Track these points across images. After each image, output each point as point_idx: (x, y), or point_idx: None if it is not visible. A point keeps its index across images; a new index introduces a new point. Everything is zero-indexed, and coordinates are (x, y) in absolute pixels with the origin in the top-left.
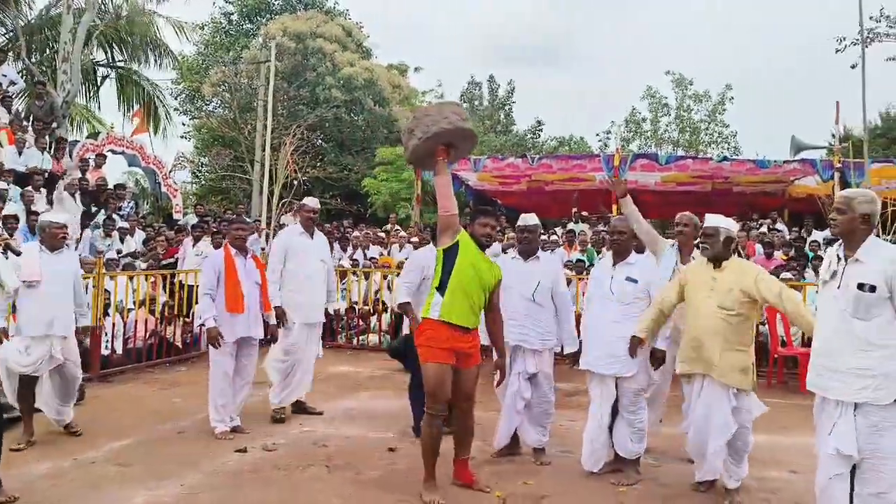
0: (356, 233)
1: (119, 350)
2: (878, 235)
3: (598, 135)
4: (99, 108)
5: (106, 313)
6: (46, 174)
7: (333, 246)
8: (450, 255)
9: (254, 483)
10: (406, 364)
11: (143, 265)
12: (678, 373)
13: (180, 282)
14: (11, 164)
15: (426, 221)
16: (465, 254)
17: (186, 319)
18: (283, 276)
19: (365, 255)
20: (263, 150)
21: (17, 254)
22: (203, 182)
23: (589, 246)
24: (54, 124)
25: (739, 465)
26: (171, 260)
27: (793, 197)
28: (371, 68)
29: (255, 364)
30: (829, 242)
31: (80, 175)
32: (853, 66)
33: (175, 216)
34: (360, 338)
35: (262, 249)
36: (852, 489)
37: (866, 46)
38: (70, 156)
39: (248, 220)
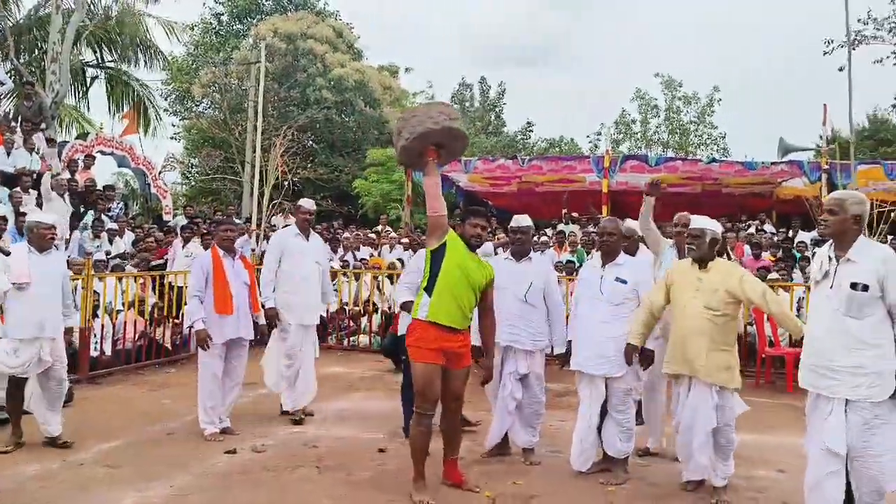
0: (346, 234)
1: (108, 351)
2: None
3: (588, 136)
4: (88, 108)
5: (95, 315)
6: (35, 175)
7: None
8: (437, 256)
9: (243, 484)
10: (398, 364)
11: (135, 270)
12: (665, 372)
13: (170, 283)
14: (0, 166)
15: (416, 222)
16: (453, 254)
17: (176, 321)
18: (277, 277)
19: (355, 256)
20: (254, 151)
21: (7, 254)
22: (193, 183)
23: (579, 247)
24: (43, 125)
25: (726, 462)
26: (161, 261)
27: (781, 198)
28: (362, 69)
29: (245, 365)
30: (816, 243)
31: (68, 175)
32: (841, 69)
33: (165, 217)
34: (351, 339)
35: (253, 251)
36: (847, 486)
37: (854, 49)
38: (59, 156)
39: (238, 221)
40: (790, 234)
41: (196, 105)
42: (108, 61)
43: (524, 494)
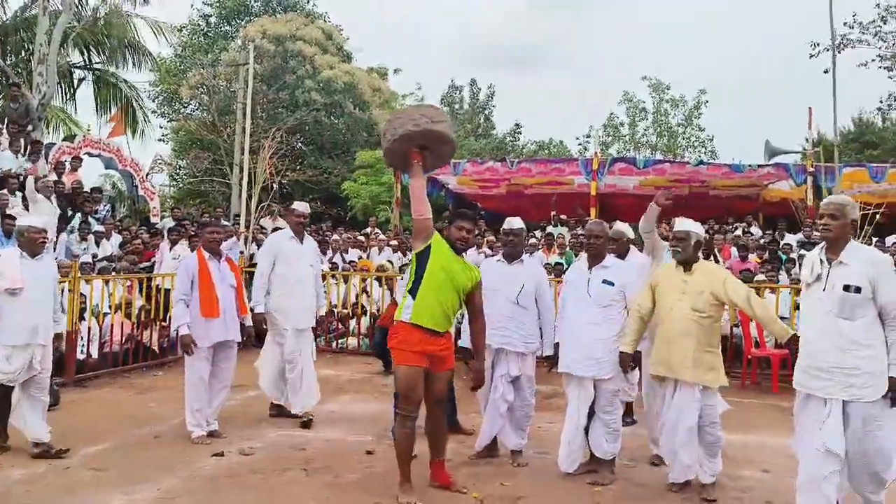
0: (336, 236)
1: (95, 354)
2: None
3: (577, 138)
4: (75, 110)
5: (82, 317)
6: (22, 177)
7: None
8: (422, 259)
9: (231, 487)
10: (388, 366)
11: (121, 273)
12: (651, 373)
13: (157, 286)
14: None
15: (405, 225)
16: (438, 257)
17: (163, 323)
18: (271, 280)
19: (344, 258)
20: (242, 153)
21: None
22: (181, 185)
23: (567, 249)
24: (29, 127)
25: (713, 459)
26: (148, 263)
27: (767, 201)
28: (351, 72)
29: (234, 367)
30: (802, 245)
31: (54, 178)
32: (826, 71)
33: (153, 219)
34: (340, 341)
35: (241, 253)
36: None
37: (839, 52)
38: (46, 158)
39: (226, 223)
40: (776, 236)
41: (184, 107)
42: (96, 63)
43: (512, 496)
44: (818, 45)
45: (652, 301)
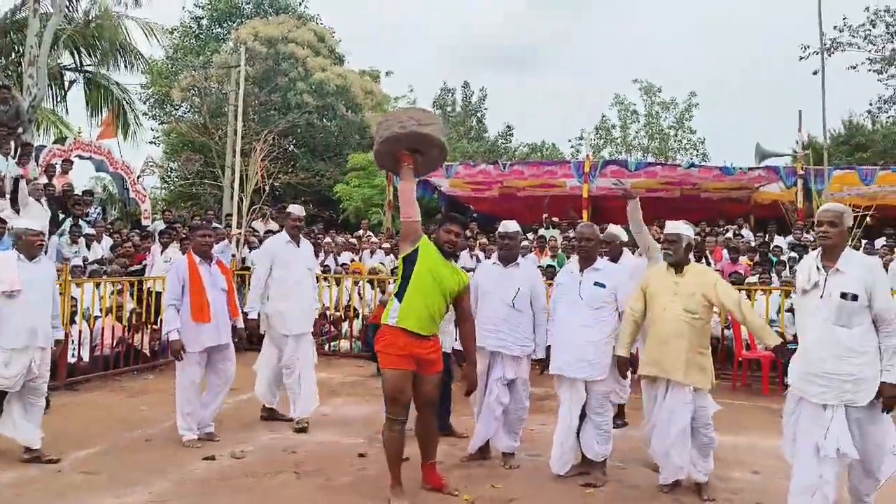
0: (328, 239)
1: (86, 358)
2: None
3: (570, 141)
4: (66, 112)
5: (73, 321)
6: (13, 181)
7: None
8: (409, 262)
9: (222, 491)
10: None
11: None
12: (642, 374)
13: (148, 289)
14: None
15: (398, 227)
16: (425, 260)
17: (154, 327)
18: (269, 285)
19: (336, 261)
20: (234, 155)
21: None
22: (172, 188)
23: (559, 251)
24: (20, 129)
25: (706, 459)
26: (139, 266)
27: (758, 203)
28: (344, 74)
29: (234, 365)
30: (792, 247)
31: (45, 180)
32: (815, 72)
33: (144, 222)
34: (332, 344)
35: (233, 256)
36: None
37: (829, 55)
38: (36, 161)
39: (217, 225)
40: (766, 238)
41: (175, 109)
42: (87, 65)
43: (503, 498)
44: (808, 47)
45: (644, 303)
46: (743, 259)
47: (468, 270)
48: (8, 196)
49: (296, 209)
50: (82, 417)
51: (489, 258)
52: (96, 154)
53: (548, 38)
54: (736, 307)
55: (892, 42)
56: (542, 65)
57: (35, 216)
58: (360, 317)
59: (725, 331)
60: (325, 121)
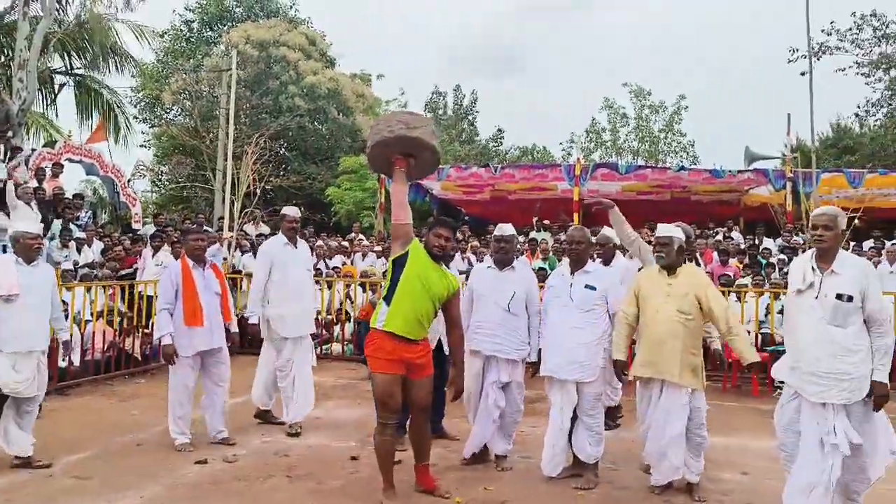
0: (320, 242)
1: (77, 362)
2: None
3: (561, 144)
4: (56, 116)
5: None
6: (2, 184)
7: None
8: (398, 265)
9: (214, 494)
10: None
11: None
12: (635, 375)
13: (139, 292)
14: None
15: (390, 230)
16: (414, 264)
17: (145, 331)
18: (268, 288)
19: (328, 264)
20: (225, 158)
21: None
22: (163, 191)
23: (550, 254)
24: (9, 133)
25: (698, 459)
26: (129, 270)
27: (748, 205)
28: (335, 77)
29: (228, 368)
30: (782, 250)
31: (35, 184)
32: (803, 74)
33: (134, 225)
34: (324, 347)
35: (225, 259)
36: None
37: (818, 59)
38: (26, 164)
39: (209, 229)
40: (755, 240)
41: (166, 112)
42: (77, 68)
43: (495, 500)
44: (797, 50)
45: (636, 306)
46: (732, 261)
47: (461, 273)
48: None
49: (291, 211)
50: (73, 422)
51: (481, 261)
52: (86, 157)
53: (538, 42)
54: (723, 316)
55: (879, 46)
56: (532, 68)
57: (24, 220)
58: (352, 320)
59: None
60: (316, 124)
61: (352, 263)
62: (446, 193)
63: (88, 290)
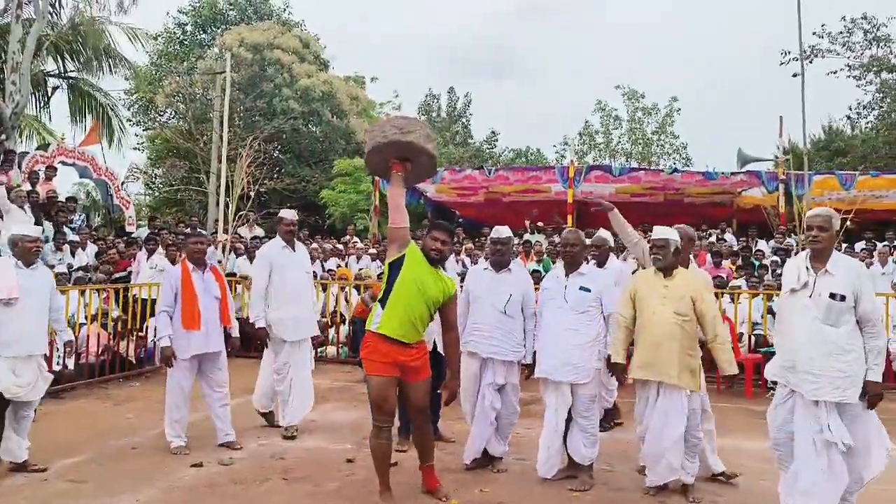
0: (315, 245)
1: (71, 366)
2: None
3: (554, 146)
4: (50, 119)
5: None
6: None
7: None
8: (394, 269)
9: (210, 498)
10: None
11: (97, 283)
12: (632, 377)
13: (134, 296)
14: None
15: (384, 233)
16: (410, 268)
17: (140, 334)
18: (268, 292)
19: (322, 266)
20: (219, 161)
21: None
22: (157, 194)
23: (545, 256)
24: (3, 136)
25: (693, 460)
26: (123, 273)
27: (741, 207)
28: (329, 80)
29: (226, 370)
30: (775, 252)
31: (28, 187)
32: (795, 75)
33: (128, 228)
34: (319, 350)
35: (219, 262)
36: None
37: (810, 62)
38: (19, 167)
39: (203, 231)
40: (748, 242)
41: (160, 115)
42: (70, 71)
43: (491, 502)
44: (789, 53)
45: (633, 309)
46: (726, 263)
47: (458, 275)
48: None
49: (288, 214)
50: (68, 426)
51: (475, 263)
52: (79, 160)
53: (530, 45)
54: (712, 323)
55: (869, 49)
56: (525, 71)
57: (18, 223)
58: (347, 322)
59: None
60: (310, 127)
61: (346, 266)
62: (440, 196)
63: (83, 293)
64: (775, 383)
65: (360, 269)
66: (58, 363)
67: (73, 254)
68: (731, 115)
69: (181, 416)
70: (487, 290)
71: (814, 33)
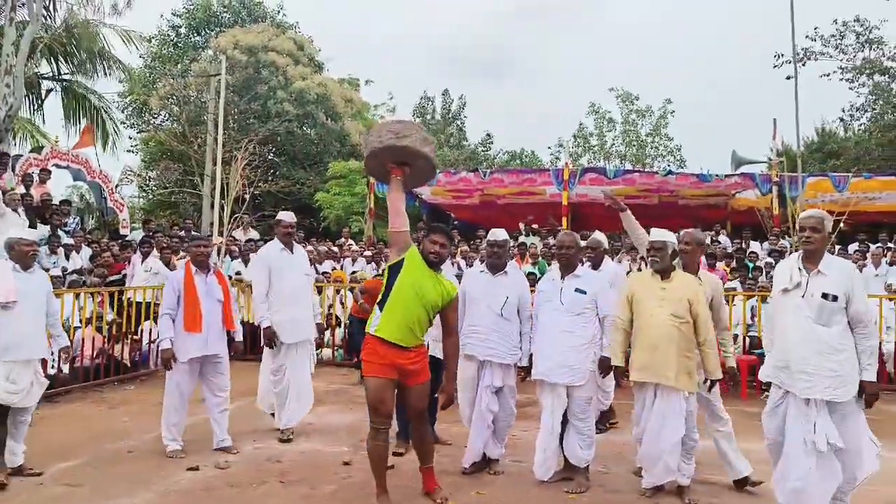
0: (309, 247)
1: (65, 369)
2: None
3: (549, 148)
4: (43, 121)
5: None
6: None
7: None
8: (394, 272)
9: (206, 501)
10: None
11: (91, 286)
12: (631, 379)
13: (128, 299)
14: None
15: (379, 236)
16: (409, 271)
17: (135, 337)
18: (267, 295)
19: (317, 269)
20: (214, 164)
21: None
22: (151, 196)
23: (540, 259)
24: None
25: (689, 462)
26: (118, 276)
27: (735, 209)
28: (324, 83)
29: (228, 375)
30: (769, 253)
31: (22, 190)
32: (788, 77)
33: (122, 231)
34: (315, 352)
35: (215, 264)
36: None
37: (803, 64)
38: (13, 170)
39: (197, 234)
40: (742, 244)
41: (154, 117)
42: (65, 73)
43: None
44: (782, 55)
45: (630, 311)
46: (720, 265)
47: (455, 277)
48: None
49: (286, 216)
50: (63, 429)
51: (470, 266)
52: (73, 163)
53: (524, 47)
54: (704, 327)
55: (862, 51)
56: (519, 73)
57: (13, 226)
58: (342, 325)
59: None
60: (305, 129)
61: (342, 269)
62: (436, 198)
63: (77, 296)
64: (769, 385)
65: (356, 272)
66: (52, 367)
67: (67, 257)
68: (726, 117)
69: (178, 420)
70: (484, 293)
71: (807, 36)
